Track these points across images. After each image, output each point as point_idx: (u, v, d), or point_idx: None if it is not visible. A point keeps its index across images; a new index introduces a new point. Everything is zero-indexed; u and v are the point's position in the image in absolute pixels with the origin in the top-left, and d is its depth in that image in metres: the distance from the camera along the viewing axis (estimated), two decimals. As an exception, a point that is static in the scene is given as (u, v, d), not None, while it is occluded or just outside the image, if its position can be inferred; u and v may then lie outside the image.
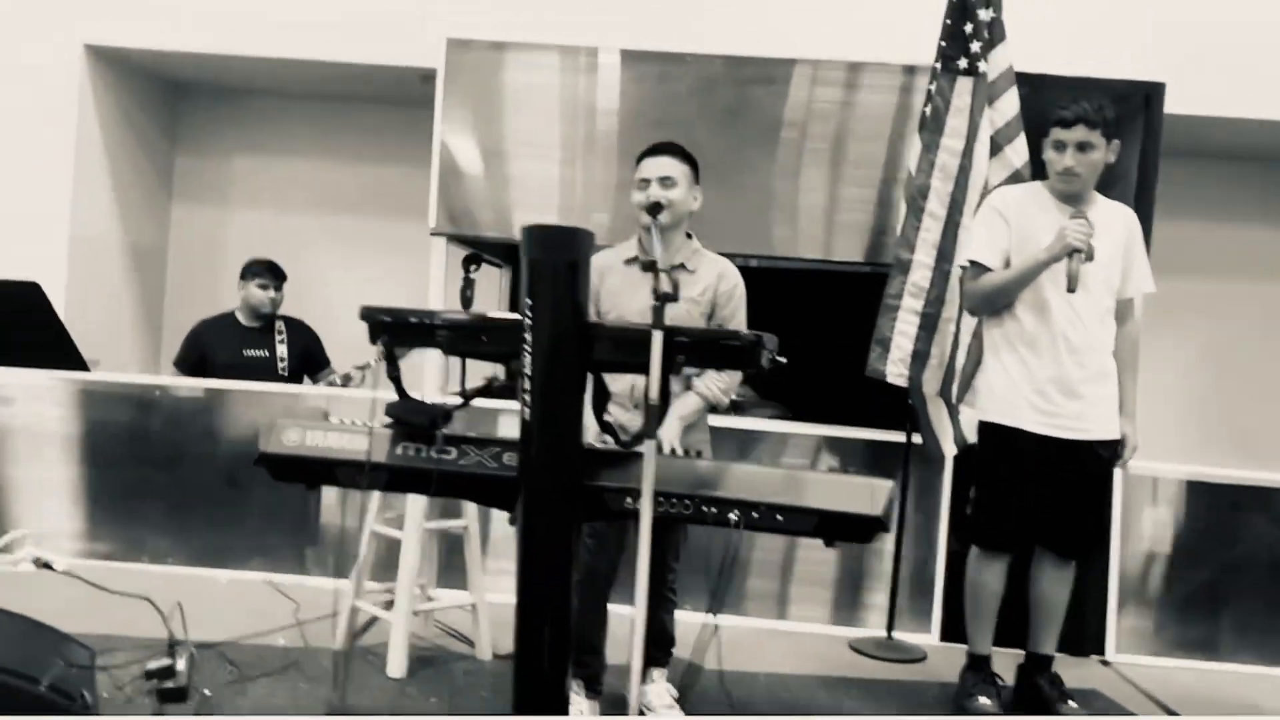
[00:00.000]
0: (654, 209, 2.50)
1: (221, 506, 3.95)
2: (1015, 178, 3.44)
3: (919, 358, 3.48)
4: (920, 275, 3.48)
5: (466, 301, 4.04)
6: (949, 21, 3.48)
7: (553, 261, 1.93)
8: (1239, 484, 3.82)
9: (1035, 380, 2.90)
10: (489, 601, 3.19)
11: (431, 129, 4.05)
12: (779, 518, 2.11)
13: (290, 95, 5.32)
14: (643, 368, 1.91)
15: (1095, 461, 2.94)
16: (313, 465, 2.21)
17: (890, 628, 3.69)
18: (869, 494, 2.11)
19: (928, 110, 3.51)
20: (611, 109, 3.94)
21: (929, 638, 3.77)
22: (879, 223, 3.80)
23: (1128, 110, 3.86)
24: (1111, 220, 2.94)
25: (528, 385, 1.97)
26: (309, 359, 4.64)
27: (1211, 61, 4.16)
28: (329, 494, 3.99)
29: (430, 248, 4.04)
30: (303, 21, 4.44)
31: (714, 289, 2.71)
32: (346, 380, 4.43)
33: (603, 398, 2.17)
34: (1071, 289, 2.74)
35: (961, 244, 3.40)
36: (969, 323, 3.38)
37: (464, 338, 2.10)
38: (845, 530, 2.10)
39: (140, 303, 5.23)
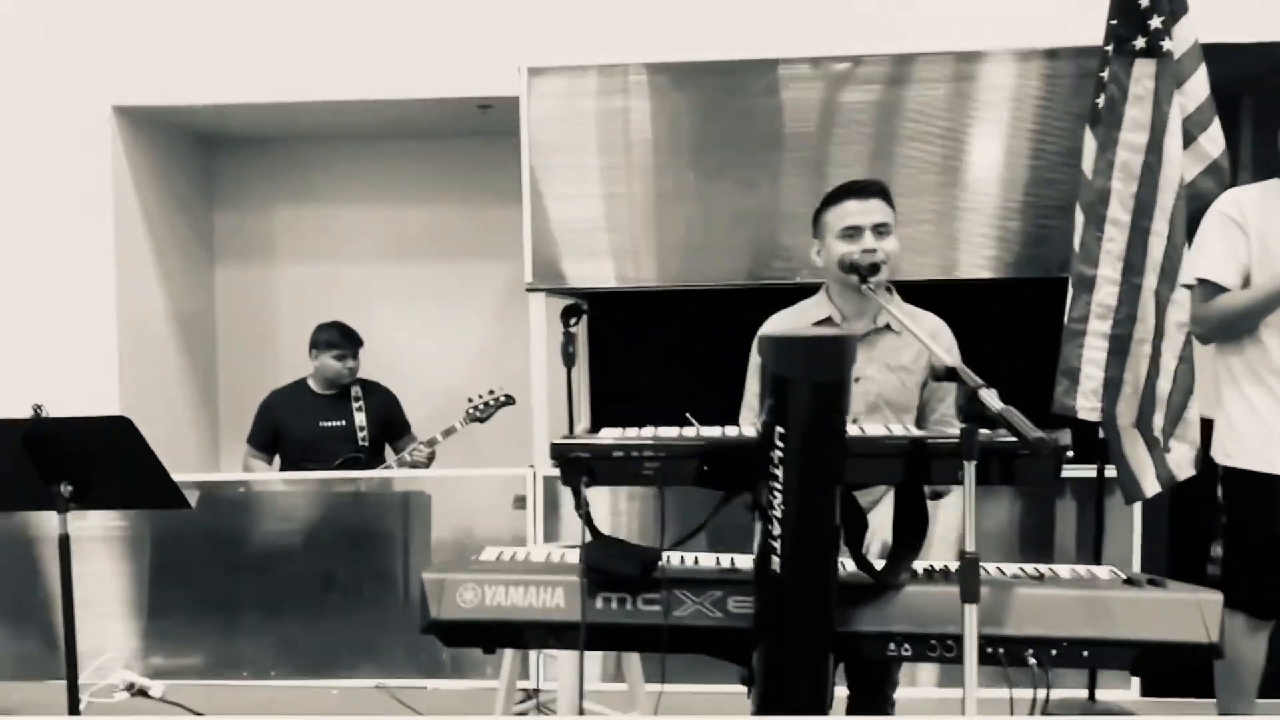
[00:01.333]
0: (872, 269, 2.05)
1: (322, 609, 3.55)
2: (1214, 170, 2.98)
3: (1110, 386, 3.02)
4: (1106, 293, 3.01)
5: (569, 358, 3.68)
6: (1118, -5, 3.00)
7: (814, 381, 1.48)
8: None
9: (1292, 417, 2.45)
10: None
11: (491, 158, 3.64)
12: (1085, 654, 1.72)
13: (332, 138, 4.88)
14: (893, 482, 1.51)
15: (1372, 501, 2.49)
16: (496, 629, 1.80)
17: (1092, 688, 3.26)
18: (1198, 615, 1.70)
19: (1100, 101, 3.03)
20: (717, 129, 3.49)
21: (1129, 693, 3.35)
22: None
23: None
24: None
25: (776, 522, 1.55)
26: (389, 425, 4.25)
27: None
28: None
29: (528, 303, 3.58)
30: (337, 61, 4.00)
31: (926, 354, 2.27)
32: (432, 446, 4.03)
33: (860, 528, 1.73)
34: None
35: (1152, 252, 2.94)
36: (1172, 344, 2.92)
37: (683, 467, 1.66)
38: (1169, 658, 1.71)
39: (193, 376, 4.82)
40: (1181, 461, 2.93)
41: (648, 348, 4.44)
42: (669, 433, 1.73)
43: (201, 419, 4.83)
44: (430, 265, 4.88)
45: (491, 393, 4.08)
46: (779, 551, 1.54)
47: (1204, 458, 2.82)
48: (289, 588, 3.56)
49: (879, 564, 1.76)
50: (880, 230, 2.18)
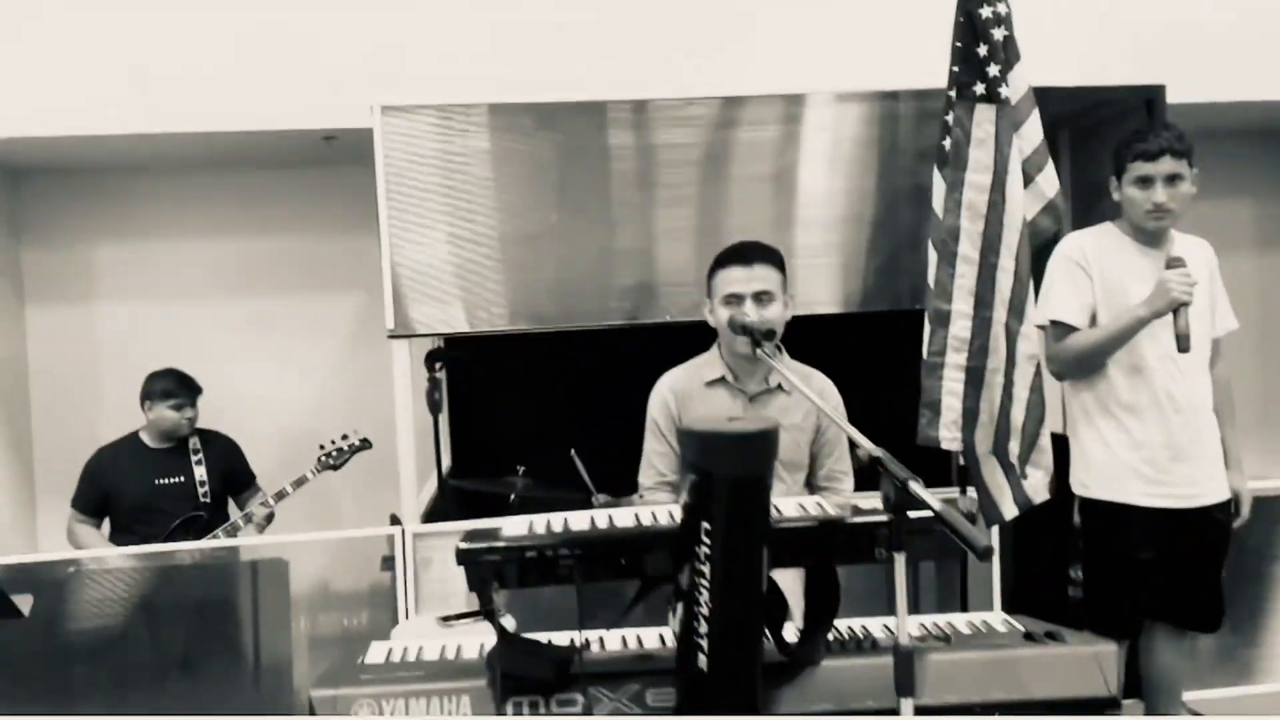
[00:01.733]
0: (767, 335, 2.04)
1: (165, 693, 3.26)
2: (1050, 208, 3.15)
3: (969, 416, 3.15)
4: (961, 326, 3.14)
5: (435, 405, 3.54)
6: (959, 44, 3.13)
7: (739, 477, 1.45)
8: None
9: (1140, 448, 2.63)
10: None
11: (338, 188, 3.46)
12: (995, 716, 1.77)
13: (158, 169, 4.53)
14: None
15: (1213, 528, 2.70)
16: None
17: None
18: (1097, 668, 1.78)
19: (946, 144, 3.16)
20: (575, 170, 3.43)
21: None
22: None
23: (1127, 116, 3.71)
24: (1194, 259, 2.68)
25: (702, 619, 1.51)
26: (231, 478, 3.99)
27: (1206, 51, 4.00)
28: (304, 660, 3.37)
29: (391, 350, 3.40)
30: (164, 91, 3.72)
31: (815, 411, 2.29)
32: (280, 498, 3.81)
33: (780, 611, 1.72)
34: (1184, 349, 2.46)
35: (1000, 287, 3.09)
36: (1023, 375, 3.07)
37: (602, 562, 1.60)
38: (1072, 712, 1.78)
39: (3, 432, 4.37)
40: (1037, 486, 3.09)
41: (512, 389, 4.35)
42: (581, 523, 1.66)
43: (14, 482, 4.37)
44: (275, 300, 4.60)
45: (345, 437, 3.88)
46: (705, 649, 1.50)
47: (1057, 482, 2.99)
48: (128, 672, 3.26)
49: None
50: (762, 298, 2.20)
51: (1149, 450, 2.62)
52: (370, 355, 4.27)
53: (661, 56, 3.78)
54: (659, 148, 3.46)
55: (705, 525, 1.46)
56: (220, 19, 3.73)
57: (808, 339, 3.53)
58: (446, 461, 4.30)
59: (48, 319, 4.56)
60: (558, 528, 1.64)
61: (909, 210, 3.51)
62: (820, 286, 3.54)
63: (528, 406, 4.36)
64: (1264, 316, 4.92)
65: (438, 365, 3.44)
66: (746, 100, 3.48)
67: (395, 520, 3.56)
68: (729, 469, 1.43)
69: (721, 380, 2.30)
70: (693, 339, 2.71)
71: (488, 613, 1.60)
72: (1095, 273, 2.68)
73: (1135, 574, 2.66)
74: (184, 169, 4.52)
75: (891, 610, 1.47)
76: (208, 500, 3.84)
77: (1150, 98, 3.49)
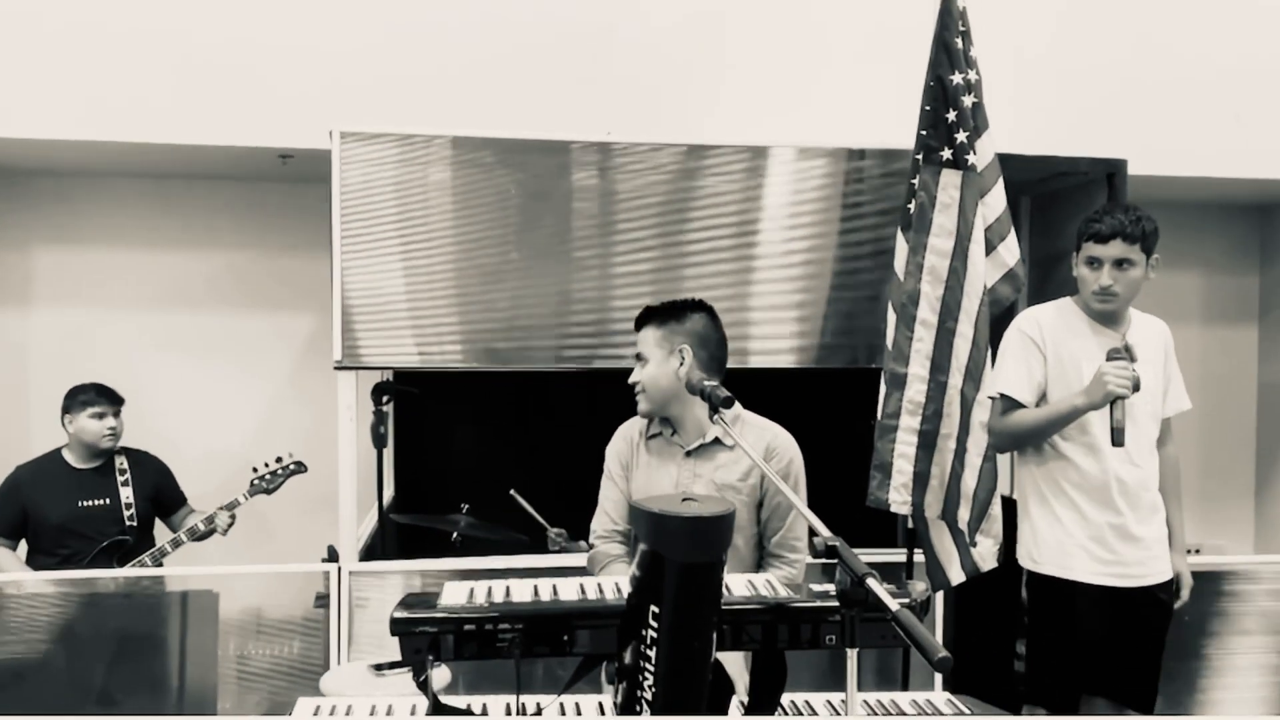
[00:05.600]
0: (727, 403, 2.01)
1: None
2: (1010, 277, 3.16)
3: (919, 480, 3.15)
4: (916, 390, 3.13)
5: (379, 439, 3.46)
6: (928, 108, 3.15)
7: (691, 562, 1.40)
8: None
9: (1090, 527, 2.63)
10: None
11: (291, 204, 3.37)
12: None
13: (103, 174, 4.40)
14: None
15: (1155, 607, 2.71)
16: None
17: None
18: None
19: (911, 207, 3.16)
20: (535, 208, 3.39)
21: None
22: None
23: (1088, 186, 3.76)
24: (1150, 340, 2.70)
25: (645, 704, 1.45)
26: (161, 500, 3.84)
27: (1168, 124, 4.08)
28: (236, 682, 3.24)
29: (337, 382, 3.30)
30: (111, 99, 3.61)
31: (760, 469, 2.26)
32: (211, 523, 3.68)
33: (726, 691, 1.67)
34: (1119, 442, 2.48)
35: (958, 353, 3.09)
36: (976, 442, 3.07)
37: (543, 637, 1.53)
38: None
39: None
40: (985, 554, 3.08)
41: (459, 425, 4.27)
42: (523, 593, 1.60)
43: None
44: (219, 318, 4.48)
45: (279, 460, 3.77)
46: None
47: (1005, 552, 2.99)
48: (43, 705, 3.10)
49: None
50: (639, 361, 2.30)
51: (1097, 529, 2.63)
52: (316, 381, 4.17)
53: (628, 100, 3.76)
54: (621, 191, 3.44)
55: (654, 608, 1.41)
56: (177, 30, 3.64)
57: (765, 393, 3.52)
58: (389, 495, 4.21)
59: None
60: (499, 597, 1.58)
61: (869, 269, 3.51)
62: (778, 341, 3.53)
63: (475, 444, 4.28)
64: (1206, 388, 5.00)
65: (384, 398, 3.35)
66: (711, 149, 3.47)
67: (333, 553, 3.46)
68: (680, 554, 1.38)
69: (659, 434, 2.29)
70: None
71: (421, 684, 1.53)
72: (1049, 350, 2.69)
73: (1078, 649, 2.66)
74: (130, 175, 4.40)
75: (832, 684, 1.43)
76: (134, 524, 3.69)
77: (1112, 170, 3.53)
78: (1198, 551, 4.47)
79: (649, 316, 2.38)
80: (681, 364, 2.28)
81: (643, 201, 3.46)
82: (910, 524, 3.22)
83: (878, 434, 3.15)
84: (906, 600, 1.63)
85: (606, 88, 3.80)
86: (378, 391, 3.38)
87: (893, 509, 3.13)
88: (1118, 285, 2.62)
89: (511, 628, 1.50)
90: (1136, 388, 2.51)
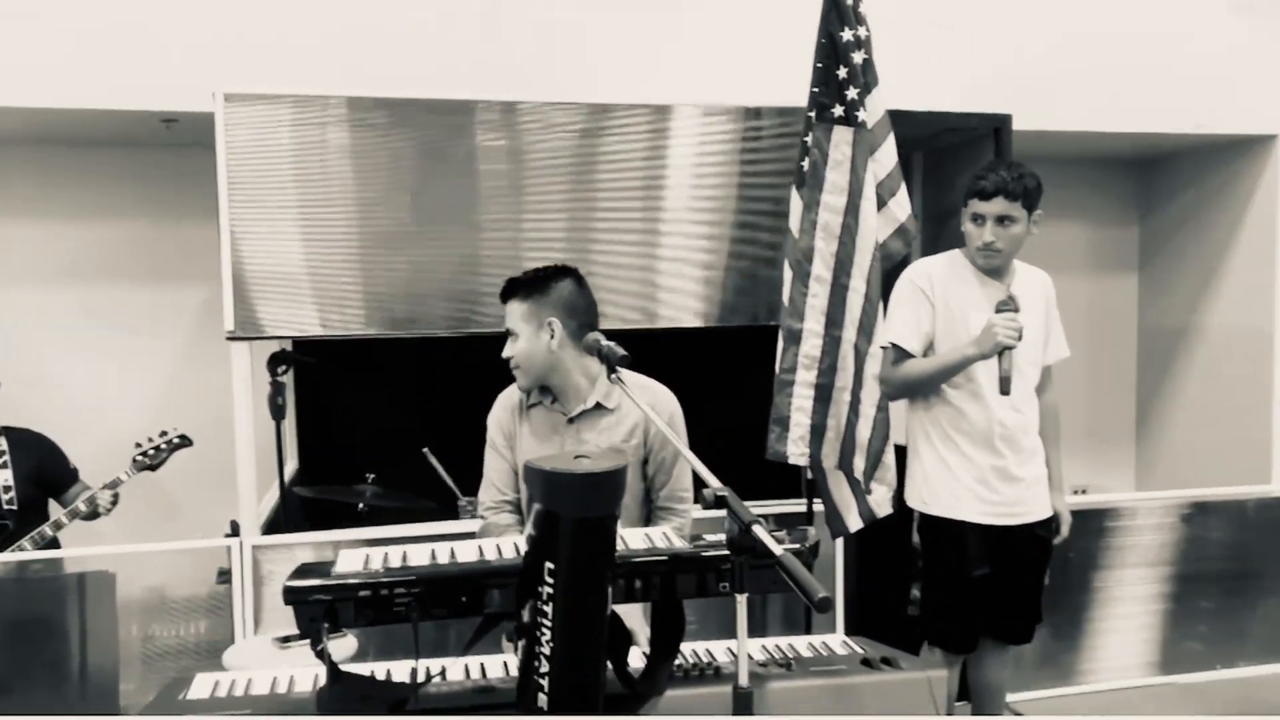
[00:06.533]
0: (623, 361, 2.02)
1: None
2: (901, 232, 3.24)
3: (816, 432, 3.23)
4: (811, 345, 3.20)
5: (278, 410, 3.39)
6: (820, 65, 3.18)
7: (585, 518, 1.43)
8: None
9: (975, 469, 2.75)
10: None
11: (180, 171, 3.24)
12: (837, 742, 1.81)
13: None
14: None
15: (1035, 543, 2.84)
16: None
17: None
18: (928, 691, 1.84)
19: (805, 165, 3.21)
20: (432, 171, 3.34)
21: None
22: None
23: (977, 141, 3.87)
24: (1032, 291, 2.81)
25: (544, 658, 1.48)
26: (46, 478, 3.68)
27: (1051, 81, 4.20)
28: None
29: (230, 352, 3.23)
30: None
31: (644, 427, 2.29)
32: (93, 503, 3.50)
33: (624, 643, 1.70)
34: (1005, 391, 2.59)
35: (851, 308, 3.17)
36: (870, 394, 3.16)
37: (440, 599, 1.54)
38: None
39: None
40: (880, 500, 3.18)
41: (363, 393, 4.21)
42: (420, 557, 1.61)
43: None
44: (108, 290, 4.30)
45: (163, 434, 3.63)
46: (546, 689, 1.47)
47: (898, 498, 3.09)
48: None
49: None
50: (510, 338, 2.30)
51: (981, 471, 2.74)
52: (213, 352, 4.05)
53: (528, 60, 3.71)
54: (526, 152, 3.41)
55: (549, 565, 1.43)
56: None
57: (669, 352, 3.55)
58: (293, 468, 4.14)
59: None
60: (395, 562, 1.58)
61: (767, 227, 3.56)
62: (684, 300, 3.56)
63: (381, 413, 4.23)
64: (1091, 336, 5.23)
65: (281, 369, 3.29)
66: (614, 108, 3.46)
67: (236, 528, 3.39)
68: (574, 510, 1.40)
69: (539, 404, 2.29)
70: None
71: (319, 653, 1.53)
72: (938, 300, 2.77)
73: (969, 589, 2.77)
74: (9, 142, 4.18)
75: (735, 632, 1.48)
76: (14, 507, 3.54)
77: (998, 126, 3.64)
78: (1084, 491, 4.69)
79: (513, 290, 2.33)
80: (552, 337, 2.27)
81: (547, 162, 3.43)
82: (809, 475, 3.31)
83: (776, 389, 3.21)
84: (796, 546, 1.69)
85: (506, 47, 3.74)
86: (274, 362, 3.31)
87: (791, 461, 3.21)
88: (1000, 241, 2.71)
89: (408, 591, 1.51)
90: (1020, 337, 2.61)
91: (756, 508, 3.61)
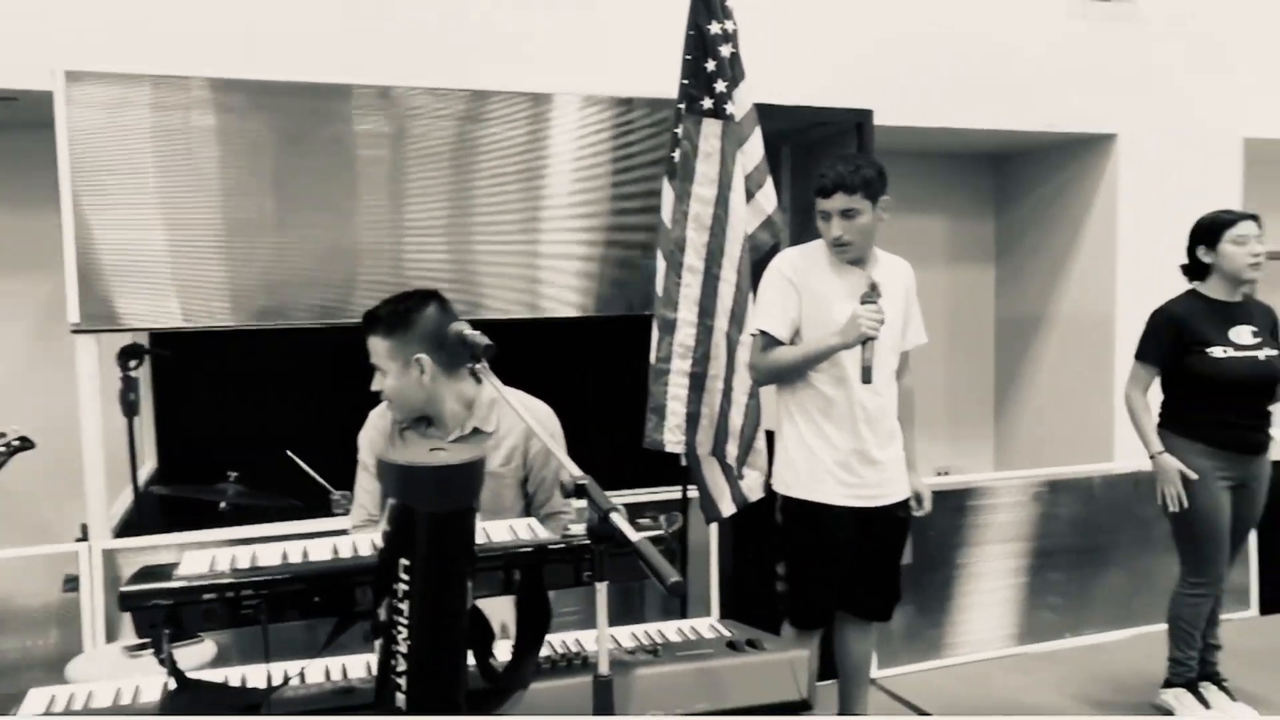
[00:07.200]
0: (485, 351, 1.98)
1: None
2: (769, 224, 3.31)
3: (691, 420, 3.27)
4: (686, 334, 3.23)
5: (130, 407, 3.23)
6: (689, 58, 3.22)
7: (441, 511, 1.40)
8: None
9: (837, 452, 2.82)
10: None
11: (22, 153, 3.03)
12: (701, 727, 1.84)
13: None
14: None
15: (893, 523, 2.93)
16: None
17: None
18: (790, 673, 1.88)
19: (676, 155, 3.24)
20: (299, 156, 3.22)
21: None
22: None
23: (842, 135, 3.96)
24: (893, 278, 2.90)
25: (401, 657, 1.45)
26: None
27: (913, 78, 4.33)
28: None
29: (75, 346, 3.05)
30: None
31: (522, 449, 2.27)
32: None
33: (487, 637, 1.68)
34: (867, 380, 2.67)
35: (722, 297, 3.22)
36: (742, 382, 3.22)
37: (292, 601, 1.49)
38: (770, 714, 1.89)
39: None
40: (752, 485, 3.26)
41: (226, 384, 4.04)
42: (271, 557, 1.55)
43: None
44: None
45: (1, 435, 3.41)
46: (405, 688, 1.44)
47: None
48: None
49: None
50: (377, 374, 2.24)
51: (842, 454, 2.82)
52: (59, 348, 3.83)
53: (405, 46, 3.62)
54: (400, 138, 3.33)
55: (404, 561, 1.40)
56: None
57: (549, 343, 3.53)
58: (151, 467, 3.95)
59: None
60: (244, 564, 1.52)
61: (642, 217, 3.58)
62: (564, 290, 3.54)
63: (247, 407, 4.07)
64: (953, 325, 5.45)
65: (133, 363, 3.13)
66: (492, 95, 3.42)
67: (87, 531, 3.21)
68: (429, 504, 1.38)
69: (414, 429, 2.24)
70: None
71: (162, 661, 1.46)
72: (803, 288, 2.84)
73: (829, 568, 2.86)
74: None
75: (623, 618, 1.47)
76: None
77: (860, 120, 3.74)
78: (946, 473, 4.89)
79: (374, 325, 2.23)
80: (423, 373, 2.21)
81: (426, 150, 3.36)
82: (684, 462, 3.35)
83: (652, 378, 3.24)
84: (658, 531, 1.70)
85: (384, 33, 3.64)
86: (124, 355, 3.15)
87: (668, 449, 3.24)
88: (848, 234, 2.78)
89: (256, 593, 1.45)
90: (883, 325, 2.69)
91: (634, 496, 3.66)
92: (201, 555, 1.53)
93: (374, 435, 2.30)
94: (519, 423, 2.23)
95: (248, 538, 3.05)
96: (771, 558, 3.07)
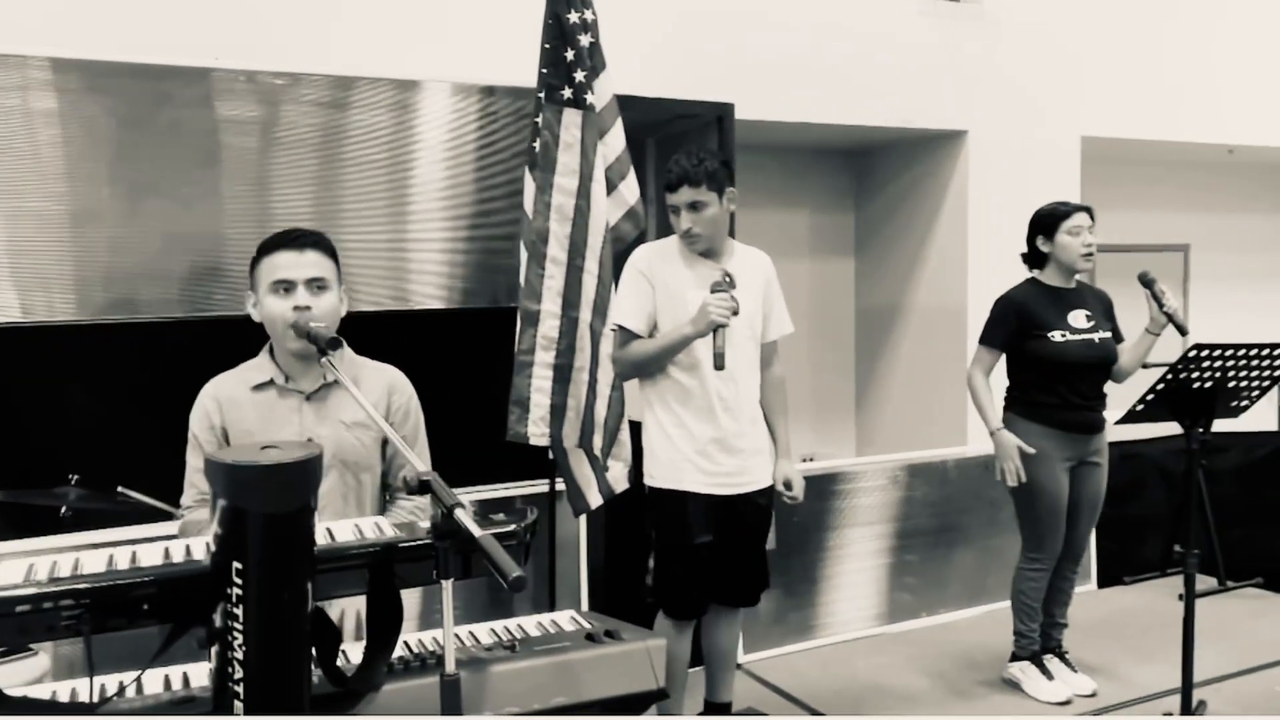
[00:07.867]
0: (333, 344, 1.92)
1: None
2: (631, 215, 3.32)
3: (556, 412, 3.26)
4: (549, 326, 3.22)
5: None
6: (548, 46, 3.19)
7: (275, 513, 1.34)
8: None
9: (696, 441, 2.86)
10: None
11: None
12: (559, 721, 1.82)
13: None
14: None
15: (755, 510, 2.99)
16: None
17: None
18: (648, 662, 1.89)
19: (537, 146, 3.21)
20: (145, 141, 3.06)
21: None
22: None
23: (704, 128, 4.01)
24: (749, 269, 2.95)
25: (237, 664, 1.39)
26: None
27: (775, 73, 4.41)
28: None
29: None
30: None
31: (384, 405, 2.22)
32: None
33: (333, 642, 1.63)
34: (719, 366, 2.71)
35: (585, 289, 3.22)
36: (605, 373, 3.22)
37: (118, 610, 1.41)
38: (630, 708, 1.89)
39: None
40: (618, 477, 3.27)
41: (69, 381, 3.80)
42: (96, 565, 1.46)
43: None
44: None
45: None
46: (242, 695, 1.38)
47: (636, 472, 3.17)
48: None
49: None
50: (314, 285, 2.10)
51: (702, 443, 2.86)
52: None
53: (270, 31, 3.48)
54: (270, 124, 3.20)
55: (237, 565, 1.35)
56: None
57: (414, 335, 3.45)
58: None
59: None
60: (65, 572, 1.43)
61: (504, 208, 3.54)
62: (431, 282, 3.48)
63: (91, 406, 3.83)
64: (816, 315, 5.60)
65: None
66: (356, 81, 3.34)
67: (-97, 546, 2.98)
68: (262, 505, 1.32)
69: (271, 383, 2.15)
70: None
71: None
72: (658, 282, 2.87)
73: (695, 556, 2.89)
74: None
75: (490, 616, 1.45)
76: None
77: (721, 115, 3.79)
78: (811, 459, 5.02)
79: (320, 243, 2.17)
80: (342, 303, 2.20)
81: (291, 136, 3.24)
82: (550, 455, 3.34)
83: (515, 370, 3.21)
84: (511, 527, 1.68)
85: (249, 17, 3.49)
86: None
87: (532, 442, 3.22)
88: (697, 226, 2.83)
89: (76, 603, 1.37)
90: (736, 313, 2.74)
91: (503, 490, 3.61)
92: (18, 564, 1.43)
93: (210, 405, 2.16)
94: (381, 382, 2.21)
95: (91, 544, 2.89)
96: (643, 549, 3.09)
